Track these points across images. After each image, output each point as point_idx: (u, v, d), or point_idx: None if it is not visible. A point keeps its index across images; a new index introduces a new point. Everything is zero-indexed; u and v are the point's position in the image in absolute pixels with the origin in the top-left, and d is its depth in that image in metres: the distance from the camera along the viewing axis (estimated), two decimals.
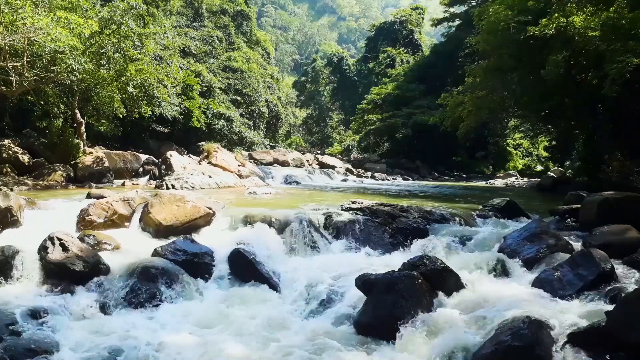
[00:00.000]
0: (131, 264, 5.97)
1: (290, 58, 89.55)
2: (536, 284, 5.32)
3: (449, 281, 5.27)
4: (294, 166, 24.46)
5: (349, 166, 27.30)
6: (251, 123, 32.22)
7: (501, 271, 6.00)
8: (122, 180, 15.19)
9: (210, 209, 7.95)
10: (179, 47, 28.08)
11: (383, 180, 24.36)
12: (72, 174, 14.12)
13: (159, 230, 7.44)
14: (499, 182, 25.34)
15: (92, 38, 12.52)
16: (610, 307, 4.14)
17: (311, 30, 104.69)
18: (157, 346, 4.47)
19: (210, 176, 15.09)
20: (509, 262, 6.13)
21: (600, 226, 6.55)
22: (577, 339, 3.81)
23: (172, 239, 6.96)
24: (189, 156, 20.27)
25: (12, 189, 10.08)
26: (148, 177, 16.15)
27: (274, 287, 6.23)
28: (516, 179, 26.78)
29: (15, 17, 10.70)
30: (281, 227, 7.63)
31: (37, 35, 10.72)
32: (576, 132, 18.82)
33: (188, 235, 7.28)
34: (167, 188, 12.85)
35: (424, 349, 4.31)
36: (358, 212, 8.31)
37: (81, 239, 6.52)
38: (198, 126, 24.78)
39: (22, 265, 5.74)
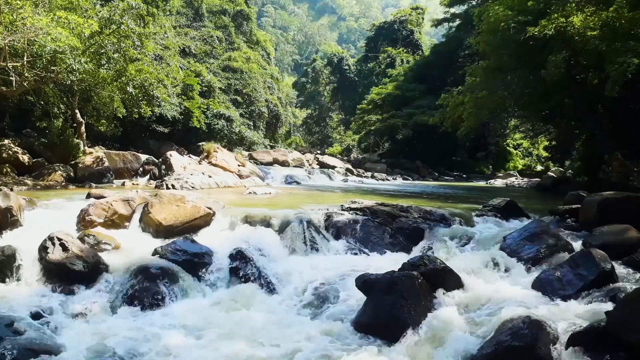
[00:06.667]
0: (131, 264, 5.98)
1: (290, 58, 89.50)
2: (536, 284, 5.32)
3: (448, 281, 5.27)
4: (294, 166, 24.46)
5: (349, 166, 27.31)
6: (251, 123, 32.21)
7: (501, 271, 6.00)
8: (122, 180, 15.18)
9: (210, 209, 7.95)
10: (179, 47, 28.08)
11: (383, 180, 24.36)
12: (72, 174, 14.10)
13: (159, 230, 7.44)
14: (499, 182, 25.34)
15: (92, 38, 12.51)
16: (610, 307, 4.15)
17: (311, 30, 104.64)
18: (156, 346, 4.47)
19: (210, 176, 15.09)
20: (509, 262, 6.13)
21: (600, 226, 6.55)
22: (577, 339, 3.81)
23: (172, 239, 6.97)
24: (189, 156, 20.27)
25: (12, 189, 10.06)
26: (148, 177, 16.14)
27: (274, 287, 6.24)
28: (516, 179, 26.78)
29: (15, 17, 10.69)
30: (281, 227, 7.63)
31: (37, 35, 10.71)
32: (576, 132, 18.81)
33: (188, 235, 7.28)
34: (167, 188, 12.84)
35: (424, 349, 4.31)
36: (358, 212, 8.30)
37: (81, 239, 6.52)
38: (198, 126, 24.78)
39: (22, 265, 5.74)
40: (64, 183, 13.47)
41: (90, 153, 15.77)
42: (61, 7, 12.82)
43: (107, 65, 13.12)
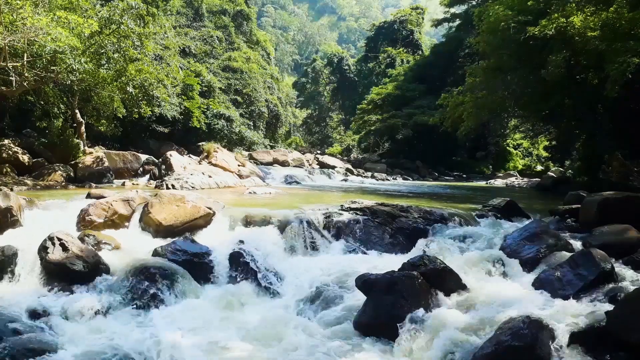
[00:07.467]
0: (131, 264, 5.97)
1: (290, 58, 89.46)
2: (536, 283, 5.32)
3: (449, 281, 5.27)
4: (294, 166, 24.46)
5: (349, 166, 27.31)
6: (251, 123, 32.20)
7: (501, 271, 6.00)
8: (122, 180, 15.18)
9: (210, 209, 7.95)
10: (179, 47, 28.07)
11: (383, 180, 24.35)
12: (72, 174, 14.10)
13: (159, 230, 7.44)
14: (499, 182, 25.33)
15: (92, 38, 12.52)
16: (610, 307, 4.15)
17: (311, 30, 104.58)
18: (156, 346, 4.47)
19: (210, 176, 15.08)
20: (509, 262, 6.13)
21: (600, 226, 6.55)
22: (577, 339, 3.81)
23: (172, 239, 6.97)
24: (189, 156, 20.26)
25: (12, 189, 10.06)
26: (148, 177, 16.13)
27: (274, 287, 6.24)
28: (516, 179, 26.77)
29: (15, 17, 10.69)
30: (281, 227, 7.63)
31: (37, 35, 10.72)
32: (576, 132, 18.80)
33: (188, 235, 7.28)
34: (167, 188, 12.84)
35: (423, 349, 4.31)
36: (358, 212, 8.30)
37: (81, 239, 6.52)
38: (198, 126, 24.78)
39: (22, 265, 5.74)
40: (64, 183, 13.47)
41: (90, 153, 15.77)
42: (61, 7, 12.82)
43: (107, 65, 13.12)
